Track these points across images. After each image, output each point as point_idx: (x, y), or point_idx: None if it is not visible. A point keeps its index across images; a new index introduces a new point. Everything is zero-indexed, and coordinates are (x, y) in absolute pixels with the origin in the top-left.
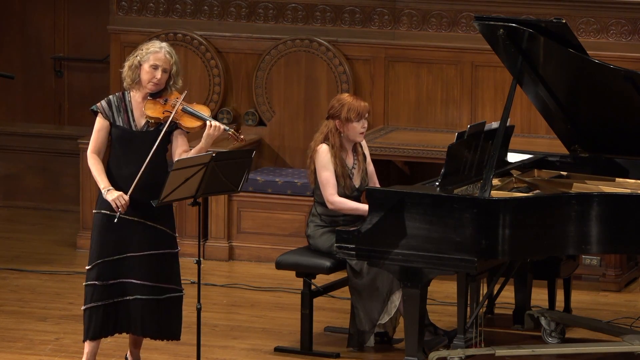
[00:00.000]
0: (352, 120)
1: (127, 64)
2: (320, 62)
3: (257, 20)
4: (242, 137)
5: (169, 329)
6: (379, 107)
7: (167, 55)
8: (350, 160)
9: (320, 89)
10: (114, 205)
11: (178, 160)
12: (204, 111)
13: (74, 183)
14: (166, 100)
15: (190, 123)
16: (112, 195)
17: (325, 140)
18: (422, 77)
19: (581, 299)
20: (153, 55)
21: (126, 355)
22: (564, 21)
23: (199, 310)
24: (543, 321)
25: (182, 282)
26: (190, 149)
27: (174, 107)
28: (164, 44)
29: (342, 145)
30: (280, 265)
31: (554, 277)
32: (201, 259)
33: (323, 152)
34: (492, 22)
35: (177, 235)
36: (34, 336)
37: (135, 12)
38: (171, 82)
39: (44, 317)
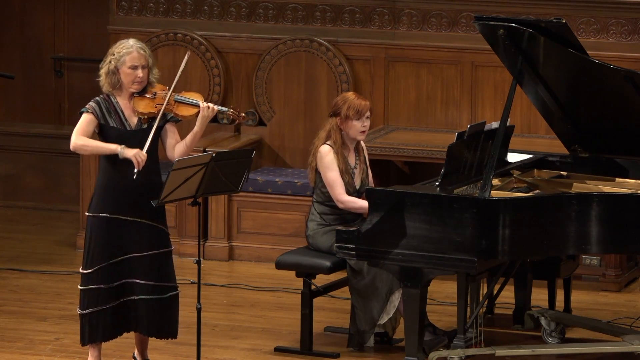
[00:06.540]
0: (351, 118)
1: (102, 72)
2: (320, 62)
3: (257, 20)
4: (242, 114)
5: (171, 328)
6: (379, 107)
7: (141, 51)
8: (352, 159)
9: (320, 89)
10: (135, 162)
11: (178, 160)
12: (196, 97)
13: (74, 183)
14: (155, 94)
15: (185, 111)
16: (131, 151)
17: (328, 138)
18: (422, 77)
19: (581, 299)
20: (128, 57)
21: (134, 353)
22: (564, 21)
23: (199, 310)
24: (543, 321)
25: (183, 282)
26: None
27: (164, 99)
28: (131, 41)
29: (344, 143)
30: (280, 265)
31: (554, 277)
32: (201, 259)
33: (325, 153)
34: (492, 22)
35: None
36: (34, 336)
37: (135, 12)
38: (149, 75)
39: (44, 317)
